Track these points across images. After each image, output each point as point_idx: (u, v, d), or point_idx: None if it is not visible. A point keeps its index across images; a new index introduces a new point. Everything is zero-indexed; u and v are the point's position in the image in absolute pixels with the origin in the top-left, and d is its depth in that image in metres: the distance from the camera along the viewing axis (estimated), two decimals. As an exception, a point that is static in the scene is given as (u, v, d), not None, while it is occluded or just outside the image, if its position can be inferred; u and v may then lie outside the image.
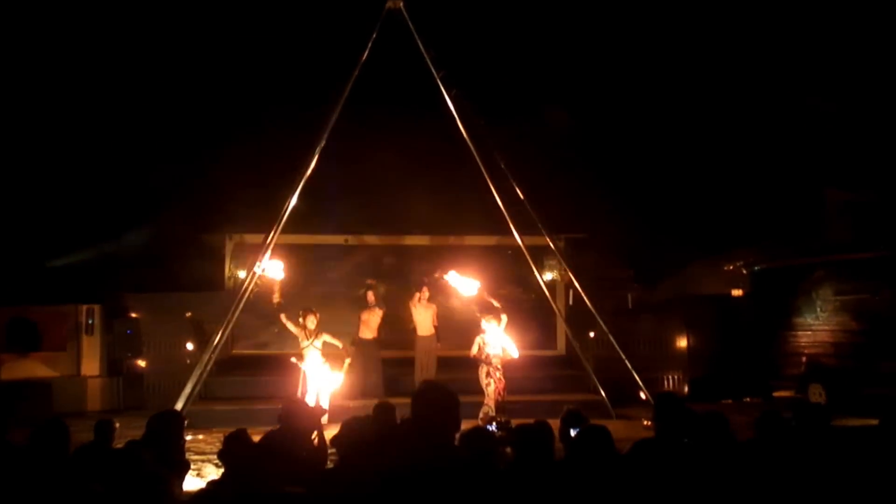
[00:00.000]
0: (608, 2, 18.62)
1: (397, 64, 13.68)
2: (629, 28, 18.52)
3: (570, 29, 18.39)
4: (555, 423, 4.62)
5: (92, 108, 16.63)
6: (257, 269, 12.06)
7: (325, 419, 10.41)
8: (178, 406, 11.04)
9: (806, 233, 16.17)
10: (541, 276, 13.78)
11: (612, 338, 13.03)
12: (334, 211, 15.31)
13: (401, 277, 15.21)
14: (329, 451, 5.40)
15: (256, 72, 17.43)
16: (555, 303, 13.89)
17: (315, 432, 5.81)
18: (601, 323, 13.13)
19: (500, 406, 11.26)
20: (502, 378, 11.39)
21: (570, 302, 14.76)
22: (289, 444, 4.96)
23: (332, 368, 11.54)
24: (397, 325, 13.73)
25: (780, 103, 18.10)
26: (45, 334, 13.87)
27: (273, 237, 12.36)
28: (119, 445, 5.70)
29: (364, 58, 12.62)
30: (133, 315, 14.54)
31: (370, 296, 12.95)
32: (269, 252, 12.15)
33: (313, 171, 12.40)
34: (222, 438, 4.36)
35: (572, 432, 4.67)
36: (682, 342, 15.26)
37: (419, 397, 3.36)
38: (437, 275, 12.43)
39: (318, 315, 11.60)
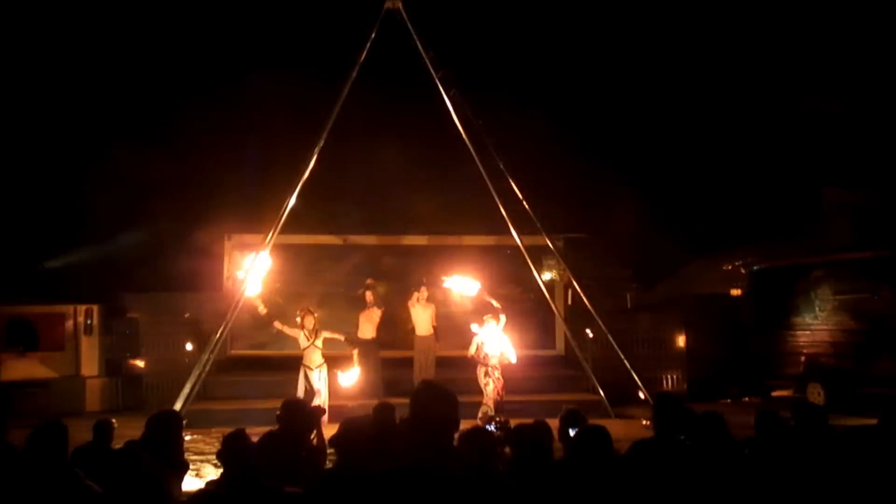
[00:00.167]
0: (611, 1, 18.63)
1: (396, 64, 13.67)
2: (630, 27, 18.52)
3: (570, 28, 18.39)
4: (554, 423, 4.63)
5: (90, 107, 16.61)
6: (241, 275, 12.00)
7: (324, 419, 10.45)
8: (177, 406, 11.05)
9: (805, 232, 16.17)
10: (540, 276, 13.78)
11: (610, 337, 13.04)
12: (333, 211, 15.31)
13: (400, 277, 15.21)
14: (328, 451, 5.40)
15: (255, 71, 17.42)
16: (553, 303, 13.90)
17: (313, 432, 5.81)
18: (600, 323, 13.14)
19: (499, 406, 11.28)
20: (501, 378, 11.40)
21: (569, 302, 14.78)
22: (287, 444, 4.96)
23: (344, 367, 11.67)
24: (396, 325, 13.74)
25: (779, 103, 18.11)
26: (43, 334, 13.86)
27: (272, 237, 12.37)
28: (118, 445, 5.70)
29: (363, 58, 12.63)
30: (132, 315, 14.53)
31: (369, 296, 12.95)
32: (256, 256, 12.04)
33: (312, 171, 12.41)
34: (221, 438, 4.36)
35: (571, 432, 4.67)
36: (681, 342, 15.27)
37: (418, 397, 3.35)
38: (442, 281, 12.41)
39: (315, 314, 11.60)
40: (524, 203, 12.99)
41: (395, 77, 14.68)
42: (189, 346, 13.78)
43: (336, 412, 10.69)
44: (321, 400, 11.22)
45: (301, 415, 5.47)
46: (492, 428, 9.61)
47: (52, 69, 16.66)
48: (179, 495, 4.85)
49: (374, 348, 12.96)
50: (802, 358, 13.94)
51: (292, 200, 12.35)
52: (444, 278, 12.34)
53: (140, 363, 14.34)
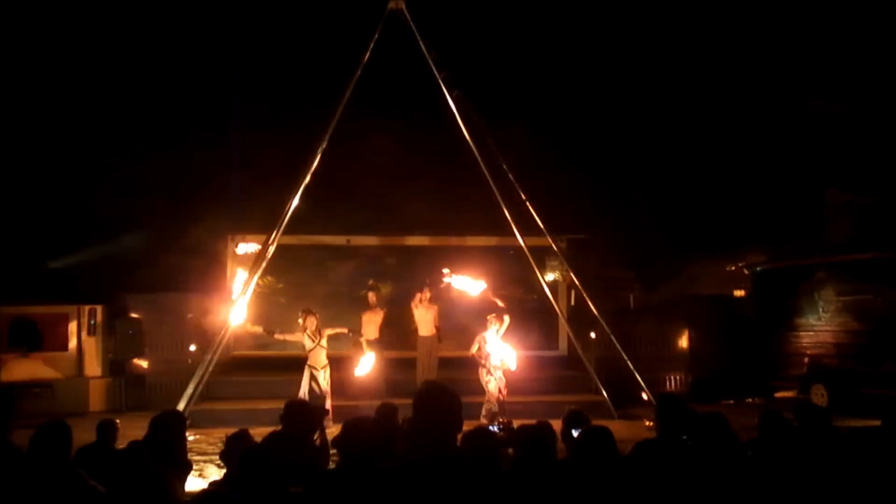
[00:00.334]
0: (612, 2, 18.61)
1: (399, 65, 13.68)
2: (632, 28, 18.50)
3: (573, 28, 18.38)
4: (557, 424, 4.62)
5: (94, 109, 16.63)
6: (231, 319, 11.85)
7: (329, 420, 10.47)
8: (180, 406, 11.05)
9: (808, 233, 16.17)
10: (543, 277, 13.78)
11: (613, 338, 13.03)
12: (336, 212, 15.32)
13: (402, 278, 15.23)
14: (331, 451, 5.40)
15: (258, 72, 17.44)
16: (557, 303, 13.89)
17: (317, 433, 5.82)
18: (603, 323, 13.13)
19: (502, 405, 11.30)
20: (503, 377, 11.42)
21: (572, 302, 14.77)
22: (290, 444, 4.96)
23: (357, 356, 11.92)
24: (399, 326, 13.74)
25: (782, 104, 18.09)
26: (47, 335, 13.87)
27: (275, 238, 12.38)
28: (121, 446, 5.71)
29: (366, 58, 12.64)
30: (135, 315, 14.54)
31: (372, 297, 12.95)
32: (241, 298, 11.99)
33: (315, 171, 12.41)
34: (224, 439, 4.37)
35: (574, 433, 4.67)
36: (684, 343, 15.27)
37: (421, 398, 3.35)
38: (444, 275, 12.39)
39: (316, 314, 11.60)
40: (527, 204, 12.99)
41: (398, 78, 14.68)
42: (192, 347, 13.79)
43: (339, 412, 10.72)
44: (329, 401, 11.23)
45: (304, 415, 5.48)
46: (495, 428, 9.66)
47: (56, 70, 16.68)
48: (182, 496, 4.86)
49: (378, 349, 12.97)
50: (805, 359, 13.93)
51: (295, 201, 12.36)
52: (446, 273, 12.29)
53: (143, 363, 14.36)
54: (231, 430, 4.50)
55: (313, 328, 11.39)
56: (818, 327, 13.82)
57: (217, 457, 8.50)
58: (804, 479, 4.27)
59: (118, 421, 6.20)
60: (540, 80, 18.23)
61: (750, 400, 14.85)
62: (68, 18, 16.57)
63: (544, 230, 13.15)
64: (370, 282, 13.61)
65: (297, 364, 11.72)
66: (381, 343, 12.96)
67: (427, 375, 12.59)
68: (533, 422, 4.47)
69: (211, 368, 12.13)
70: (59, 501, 4.02)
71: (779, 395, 14.84)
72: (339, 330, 11.83)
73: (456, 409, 3.33)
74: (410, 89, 14.45)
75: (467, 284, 12.11)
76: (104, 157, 16.44)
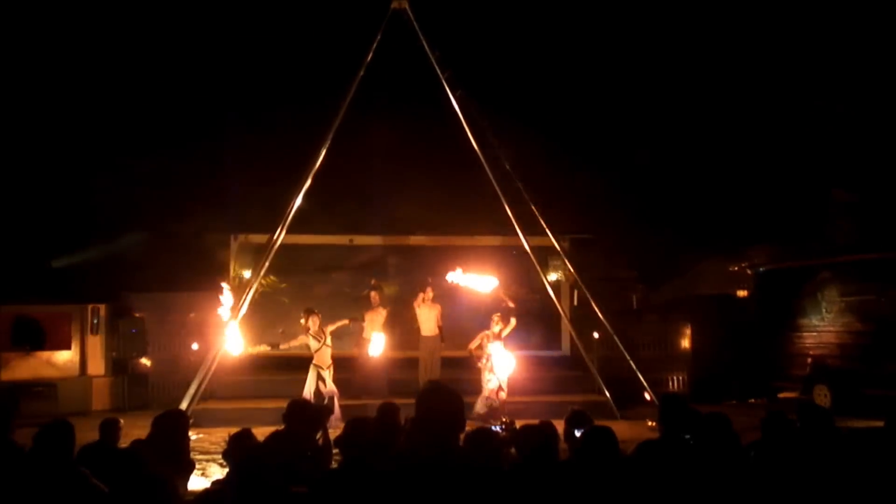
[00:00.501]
0: (616, 1, 18.61)
1: (402, 65, 13.68)
2: (637, 27, 18.50)
3: (577, 27, 18.38)
4: (559, 424, 4.62)
5: (97, 107, 16.65)
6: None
7: (335, 419, 10.45)
8: (183, 405, 11.07)
9: (811, 234, 16.15)
10: (545, 277, 13.77)
11: (616, 338, 13.04)
12: (339, 211, 15.33)
13: (405, 278, 15.23)
14: (333, 451, 5.40)
15: (262, 71, 17.45)
16: (559, 303, 13.88)
17: (319, 432, 5.82)
18: (606, 323, 13.13)
19: (501, 406, 11.33)
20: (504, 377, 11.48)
21: (575, 302, 14.76)
22: (293, 443, 4.96)
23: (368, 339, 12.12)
24: (402, 326, 13.74)
25: (787, 104, 18.07)
26: (49, 334, 13.88)
27: (278, 237, 12.39)
28: (124, 445, 5.71)
29: (369, 58, 12.64)
30: (138, 315, 14.55)
31: (374, 296, 12.95)
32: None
33: (318, 171, 12.42)
34: (227, 438, 4.37)
35: (577, 433, 4.67)
36: (687, 343, 15.25)
37: (423, 398, 3.35)
38: (451, 274, 12.38)
39: (319, 314, 11.60)
40: (530, 204, 12.99)
41: (401, 77, 14.68)
42: (195, 346, 13.80)
43: (353, 411, 10.73)
44: (336, 400, 11.22)
45: (307, 414, 5.48)
46: (497, 428, 9.67)
47: (60, 70, 16.71)
48: (185, 495, 4.86)
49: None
50: (809, 359, 13.90)
51: (298, 200, 12.36)
52: (454, 273, 12.27)
53: (146, 362, 14.36)
54: (234, 430, 4.50)
55: (317, 328, 11.39)
56: (821, 328, 13.79)
57: (219, 456, 8.50)
58: (807, 479, 4.26)
59: (121, 420, 6.20)
60: (543, 80, 18.23)
61: (753, 400, 14.82)
62: (71, 17, 16.60)
63: (547, 230, 13.15)
64: (372, 281, 13.61)
65: (300, 363, 11.72)
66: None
67: (429, 375, 12.59)
68: (535, 422, 4.47)
69: (214, 367, 12.13)
70: (61, 500, 4.03)
71: (782, 395, 14.81)
72: (340, 324, 11.82)
73: (458, 409, 3.33)
74: (414, 89, 14.46)
75: (478, 281, 12.08)
76: (107, 156, 16.46)
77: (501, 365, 11.51)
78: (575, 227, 15.44)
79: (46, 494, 4.02)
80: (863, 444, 4.88)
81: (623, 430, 10.38)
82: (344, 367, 12.23)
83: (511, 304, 11.93)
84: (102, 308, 14.42)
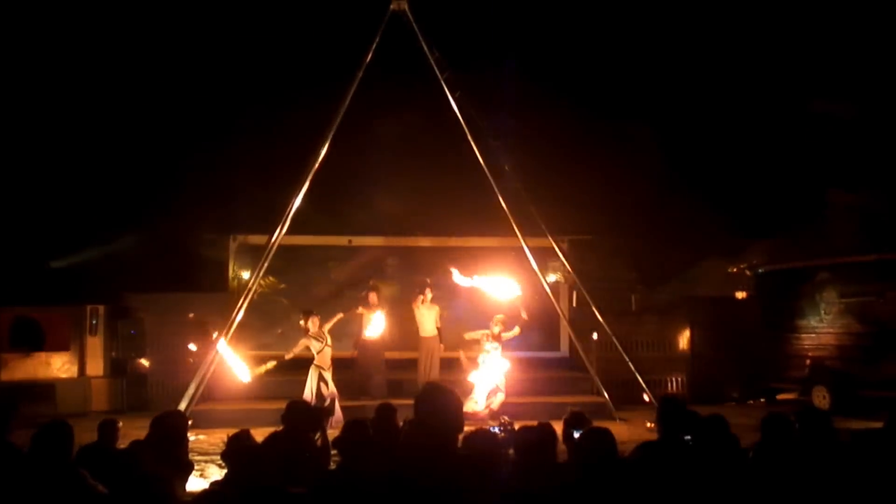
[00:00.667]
0: (615, 2, 18.61)
1: (401, 65, 13.68)
2: (635, 28, 18.50)
3: (575, 28, 18.38)
4: (558, 425, 4.62)
5: (95, 107, 16.64)
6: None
7: (335, 421, 10.44)
8: (182, 406, 11.07)
9: (810, 235, 16.14)
10: (544, 278, 13.77)
11: (615, 339, 13.05)
12: (338, 212, 15.33)
13: (404, 278, 15.23)
14: (332, 452, 5.41)
15: (261, 72, 17.44)
16: (558, 304, 13.89)
17: (318, 433, 5.82)
18: (604, 325, 13.13)
19: (491, 411, 11.37)
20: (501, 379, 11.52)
21: (574, 303, 14.77)
22: (292, 444, 4.96)
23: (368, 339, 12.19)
24: (400, 327, 13.74)
25: (785, 105, 18.08)
26: (48, 334, 13.88)
27: (277, 238, 12.39)
28: (123, 446, 5.71)
29: (368, 59, 12.64)
30: (137, 315, 14.55)
31: (373, 296, 12.95)
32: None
33: (317, 171, 12.42)
34: (225, 439, 4.37)
35: (575, 434, 4.67)
36: (686, 344, 15.25)
37: (422, 399, 3.36)
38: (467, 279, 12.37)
39: (317, 314, 11.61)
40: (529, 204, 12.99)
41: (400, 78, 14.68)
42: (194, 347, 13.80)
43: (353, 412, 10.73)
44: (336, 402, 11.22)
45: (306, 415, 5.48)
46: (496, 430, 9.68)
47: (58, 69, 16.70)
48: (184, 496, 4.86)
49: (378, 349, 12.97)
50: (807, 361, 13.90)
51: (298, 201, 12.36)
52: (472, 277, 12.27)
53: (145, 363, 14.36)
54: (232, 431, 4.49)
55: (317, 328, 11.40)
56: (820, 329, 13.79)
57: (218, 457, 8.50)
58: (805, 481, 4.26)
59: (119, 421, 6.20)
60: (542, 80, 18.22)
61: (752, 402, 14.82)
62: (69, 16, 16.59)
63: (546, 231, 13.15)
64: (371, 282, 13.61)
65: (298, 364, 11.71)
66: (383, 343, 12.98)
67: (428, 377, 12.60)
68: (534, 423, 4.48)
69: (213, 368, 12.13)
70: (60, 501, 4.02)
71: (780, 396, 14.82)
72: (335, 319, 11.79)
73: (457, 410, 3.33)
74: (412, 90, 14.46)
75: (498, 286, 12.06)
76: (106, 156, 16.45)
77: (493, 367, 11.53)
78: (574, 228, 15.45)
79: (45, 495, 4.02)
80: (861, 445, 4.88)
81: (622, 431, 10.42)
82: (342, 367, 12.22)
83: (524, 317, 11.95)
84: (101, 309, 14.42)
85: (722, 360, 14.81)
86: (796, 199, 17.20)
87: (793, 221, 16.76)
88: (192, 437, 9.65)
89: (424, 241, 15.88)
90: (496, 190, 12.77)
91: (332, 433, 5.46)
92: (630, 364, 12.93)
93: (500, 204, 12.87)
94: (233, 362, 10.96)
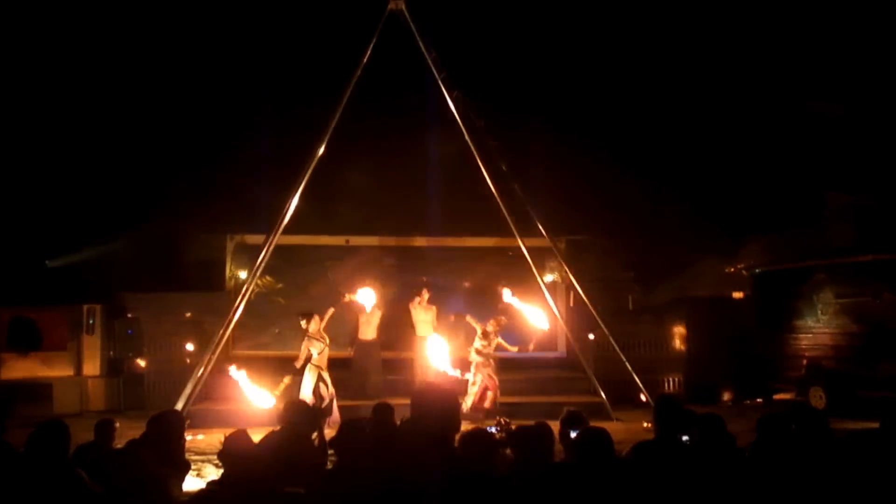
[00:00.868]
0: (613, 2, 18.62)
1: (399, 65, 13.68)
2: (633, 28, 18.52)
3: (573, 29, 18.39)
4: (555, 425, 4.63)
5: (93, 108, 16.63)
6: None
7: (333, 421, 10.44)
8: (179, 406, 11.05)
9: (807, 235, 16.16)
10: (541, 278, 13.78)
11: (612, 339, 13.04)
12: (335, 212, 15.32)
13: (401, 279, 15.22)
14: (329, 452, 5.41)
15: (258, 73, 17.44)
16: (555, 304, 13.89)
17: (315, 433, 5.82)
18: (601, 324, 13.14)
19: (477, 408, 11.41)
20: (492, 378, 11.54)
21: (571, 303, 14.77)
22: (289, 444, 4.96)
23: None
24: (397, 327, 13.73)
25: (782, 106, 18.10)
26: (45, 334, 13.88)
27: (274, 238, 12.37)
28: (119, 445, 5.71)
29: (366, 59, 12.63)
30: (134, 315, 14.54)
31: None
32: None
33: (314, 171, 12.41)
34: (222, 439, 4.36)
35: (572, 434, 4.67)
36: (683, 344, 15.27)
37: (419, 398, 3.36)
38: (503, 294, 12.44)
39: (317, 314, 11.60)
40: (526, 205, 13.00)
41: (397, 78, 14.68)
42: (190, 346, 13.79)
43: (350, 412, 10.73)
44: (335, 402, 11.22)
45: (304, 415, 5.48)
46: (493, 429, 9.68)
47: (56, 70, 16.69)
48: (180, 495, 4.86)
49: (375, 349, 12.97)
50: (804, 361, 13.92)
51: (295, 201, 12.35)
52: (510, 295, 12.37)
53: (142, 363, 14.36)
54: (229, 430, 4.49)
55: (318, 328, 11.40)
56: (817, 329, 13.81)
57: (215, 456, 8.50)
58: (801, 480, 4.27)
59: (116, 421, 6.19)
60: (539, 81, 18.24)
61: (748, 402, 14.84)
62: (67, 18, 16.58)
63: (543, 231, 13.15)
64: (369, 282, 13.59)
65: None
66: (379, 343, 12.98)
67: (425, 376, 12.59)
68: (531, 423, 4.48)
69: (209, 368, 12.12)
70: (56, 501, 4.02)
71: (777, 396, 14.84)
72: (328, 316, 11.76)
73: (453, 409, 3.34)
74: (410, 90, 14.46)
75: (533, 314, 12.23)
76: (103, 157, 16.44)
77: (478, 365, 11.65)
78: (571, 228, 15.45)
79: (41, 494, 4.02)
80: (857, 445, 4.89)
81: (618, 430, 10.39)
82: (339, 367, 12.22)
83: (530, 348, 12.31)
84: (98, 309, 14.42)
85: (719, 360, 14.82)
86: (793, 199, 17.22)
87: (789, 222, 16.78)
88: (188, 436, 9.64)
89: (421, 241, 15.87)
90: (493, 189, 12.77)
91: (329, 433, 5.46)
92: (627, 364, 12.94)
93: (498, 204, 12.87)
94: (250, 390, 10.73)
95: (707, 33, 18.20)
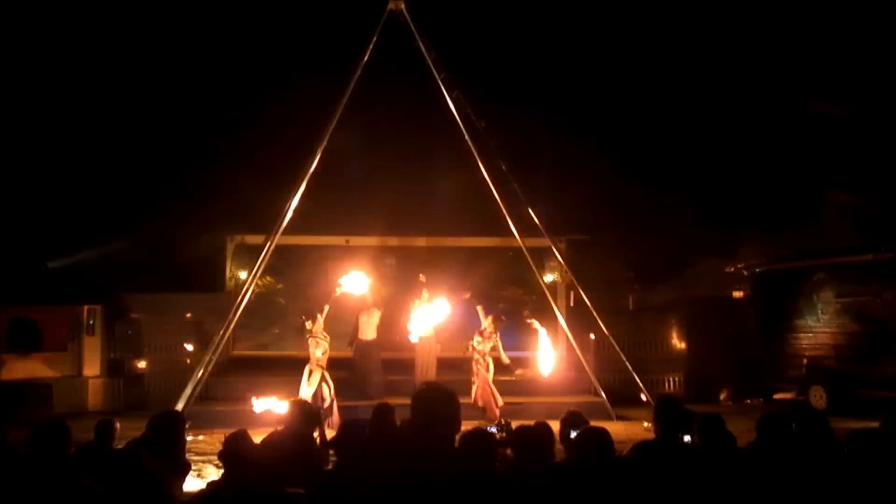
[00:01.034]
0: (613, 2, 18.61)
1: (398, 65, 13.67)
2: (633, 28, 18.51)
3: (573, 28, 18.39)
4: (555, 425, 4.63)
5: (93, 108, 16.63)
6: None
7: (333, 420, 10.43)
8: (179, 406, 11.05)
9: (807, 235, 16.16)
10: (542, 278, 13.78)
11: (612, 339, 13.04)
12: (335, 212, 15.32)
13: (401, 279, 15.21)
14: (329, 452, 5.40)
15: (258, 72, 17.44)
16: (556, 304, 13.89)
17: (316, 433, 5.81)
18: (602, 324, 13.13)
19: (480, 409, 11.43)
20: (478, 377, 11.57)
21: (571, 303, 14.76)
22: (290, 444, 4.96)
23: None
24: (397, 327, 13.72)
25: (782, 106, 18.09)
26: (46, 335, 13.88)
27: (274, 238, 12.37)
28: (119, 446, 5.71)
29: (365, 59, 12.63)
30: (134, 316, 14.54)
31: (369, 296, 12.95)
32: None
33: (314, 172, 12.41)
34: (223, 439, 4.36)
35: (572, 434, 4.67)
36: (683, 344, 15.26)
37: (419, 399, 3.36)
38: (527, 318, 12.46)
39: (319, 313, 11.62)
40: (527, 204, 12.99)
41: (397, 78, 14.68)
42: (191, 347, 13.79)
43: (350, 412, 10.72)
44: (334, 401, 11.22)
45: (307, 415, 5.48)
46: (493, 429, 9.68)
47: (55, 71, 16.68)
48: (181, 496, 4.86)
49: (375, 349, 12.96)
50: (804, 360, 13.91)
51: (295, 201, 12.35)
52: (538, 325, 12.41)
53: (142, 364, 14.35)
54: (230, 431, 4.49)
55: (321, 328, 11.41)
56: (817, 329, 13.81)
57: (216, 457, 8.50)
58: (801, 480, 4.27)
59: (117, 421, 6.19)
60: (539, 81, 18.24)
61: (749, 401, 14.83)
62: (66, 19, 16.58)
63: (543, 231, 13.15)
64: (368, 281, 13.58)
65: (296, 364, 11.70)
66: (379, 343, 12.97)
67: (425, 376, 12.60)
68: (531, 423, 4.47)
69: (210, 369, 12.12)
70: (56, 501, 4.02)
71: (777, 396, 14.84)
72: (325, 311, 11.79)
73: (454, 410, 3.33)
74: (410, 90, 14.45)
75: (545, 355, 12.36)
76: (103, 157, 16.44)
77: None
78: (571, 228, 15.45)
79: (41, 495, 4.01)
80: (857, 444, 4.88)
81: (619, 430, 10.42)
82: (339, 368, 12.21)
83: (516, 373, 12.35)
84: (98, 309, 14.42)
85: (719, 360, 14.83)
86: (793, 198, 17.22)
87: (790, 221, 16.78)
88: (189, 437, 9.64)
89: (421, 241, 15.87)
90: (493, 190, 12.77)
91: (330, 434, 5.46)
92: (627, 364, 12.94)
93: (498, 203, 12.87)
94: (274, 404, 10.56)
95: (707, 32, 18.19)
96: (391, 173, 15.49)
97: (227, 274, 15.05)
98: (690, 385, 14.84)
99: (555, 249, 13.65)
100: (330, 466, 5.24)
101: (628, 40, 18.41)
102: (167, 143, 16.86)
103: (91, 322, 14.29)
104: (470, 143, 12.72)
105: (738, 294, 16.59)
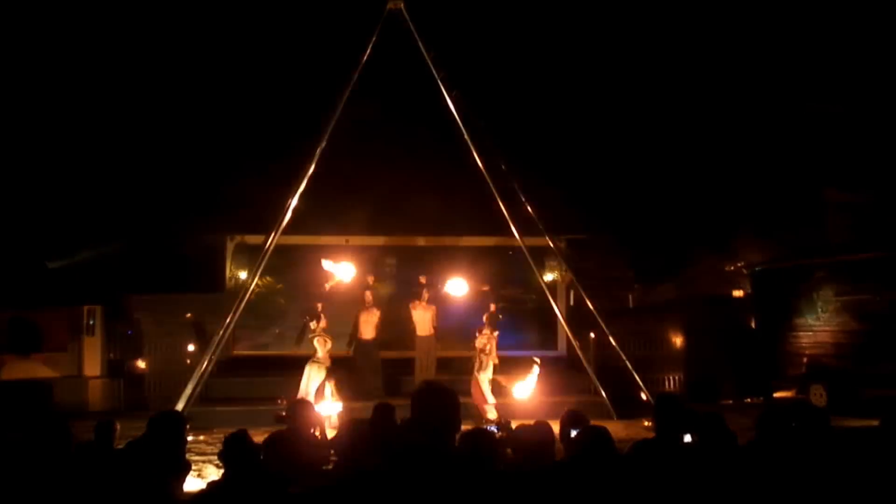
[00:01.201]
0: (611, 2, 18.61)
1: (398, 65, 13.67)
2: (631, 28, 18.50)
3: (573, 27, 18.37)
4: (555, 424, 4.63)
5: (93, 109, 16.62)
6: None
7: (334, 420, 10.44)
8: (179, 407, 11.05)
9: (806, 234, 16.16)
10: (542, 277, 13.78)
11: (612, 338, 13.04)
12: (335, 211, 15.31)
13: (401, 278, 15.22)
14: (330, 451, 5.40)
15: (258, 72, 17.42)
16: (556, 303, 13.89)
17: (317, 432, 5.82)
18: (602, 323, 13.13)
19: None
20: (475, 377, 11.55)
21: (571, 302, 14.78)
22: (291, 444, 4.96)
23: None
24: (397, 326, 13.73)
25: (781, 104, 18.09)
26: (46, 335, 13.88)
27: (274, 238, 12.38)
28: (120, 446, 5.71)
29: (365, 58, 12.63)
30: (134, 316, 14.54)
31: (368, 296, 12.95)
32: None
33: (314, 171, 12.41)
34: (223, 439, 4.36)
35: (573, 433, 4.66)
36: (683, 343, 15.26)
37: (419, 398, 3.36)
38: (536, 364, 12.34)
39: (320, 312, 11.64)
40: (526, 204, 12.99)
41: (397, 78, 14.67)
42: (191, 347, 13.79)
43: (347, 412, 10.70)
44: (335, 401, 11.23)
45: (309, 415, 5.48)
46: (493, 429, 9.69)
47: (55, 70, 16.68)
48: (181, 496, 4.85)
49: (375, 349, 12.97)
50: (804, 359, 13.93)
51: (295, 201, 12.35)
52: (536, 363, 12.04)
53: (142, 364, 14.36)
54: (230, 431, 4.49)
55: (324, 326, 11.43)
56: (817, 327, 13.82)
57: (216, 457, 8.50)
58: (802, 479, 4.27)
59: (117, 421, 6.19)
60: (539, 80, 18.23)
61: (749, 400, 14.84)
62: (67, 19, 16.57)
63: (543, 230, 13.15)
64: (369, 279, 13.59)
65: (296, 364, 11.71)
66: (378, 343, 12.98)
67: (425, 375, 12.61)
68: (531, 422, 4.47)
69: (210, 369, 12.12)
70: (56, 501, 4.02)
71: (778, 394, 14.84)
72: (320, 308, 11.80)
73: (454, 409, 3.33)
74: (409, 89, 14.44)
75: (526, 384, 11.95)
76: (103, 157, 16.43)
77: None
78: (571, 228, 15.45)
79: (42, 494, 4.02)
80: (858, 443, 4.89)
81: (619, 429, 10.43)
82: (339, 367, 12.21)
83: (502, 384, 12.07)
84: (98, 309, 14.43)
85: (719, 359, 14.82)
86: (793, 198, 17.22)
87: (790, 220, 16.78)
88: (189, 437, 9.65)
89: (421, 241, 15.87)
90: (493, 189, 12.77)
91: (330, 434, 5.46)
92: (627, 363, 12.94)
93: (498, 203, 12.87)
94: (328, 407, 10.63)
95: (707, 32, 18.18)
96: (391, 172, 15.47)
97: (227, 274, 15.05)
98: (690, 384, 14.84)
99: (555, 248, 13.66)
100: (330, 466, 5.25)
101: (629, 39, 18.40)
102: (167, 143, 16.85)
103: (91, 322, 14.29)
104: (469, 141, 12.72)
105: (738, 293, 16.60)
